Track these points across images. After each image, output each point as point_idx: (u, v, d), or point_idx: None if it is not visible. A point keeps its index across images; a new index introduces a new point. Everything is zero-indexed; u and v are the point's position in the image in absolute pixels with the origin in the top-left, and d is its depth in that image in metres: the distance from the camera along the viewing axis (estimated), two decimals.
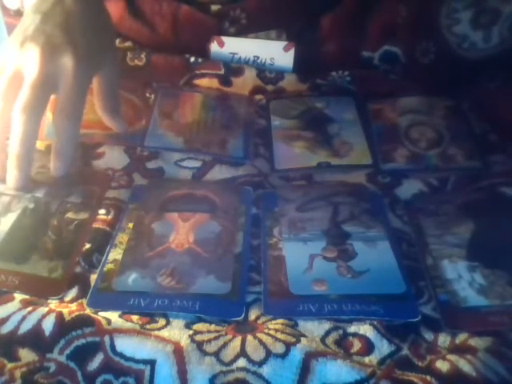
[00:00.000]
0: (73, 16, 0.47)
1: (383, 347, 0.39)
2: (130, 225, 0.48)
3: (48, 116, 0.57)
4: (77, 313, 0.40)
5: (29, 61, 0.45)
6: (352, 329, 0.40)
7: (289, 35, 0.64)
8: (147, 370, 0.37)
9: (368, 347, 0.39)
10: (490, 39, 0.58)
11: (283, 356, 0.37)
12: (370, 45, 0.63)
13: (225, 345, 0.38)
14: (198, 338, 0.39)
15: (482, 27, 0.58)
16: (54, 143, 0.48)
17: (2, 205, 0.47)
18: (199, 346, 0.38)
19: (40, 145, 0.54)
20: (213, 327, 0.40)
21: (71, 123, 0.47)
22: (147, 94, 0.62)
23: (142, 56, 0.63)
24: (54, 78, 0.45)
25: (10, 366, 0.37)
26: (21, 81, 0.45)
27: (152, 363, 0.37)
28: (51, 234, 0.46)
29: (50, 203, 0.48)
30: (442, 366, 0.37)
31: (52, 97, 0.47)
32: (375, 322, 0.40)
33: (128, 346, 0.38)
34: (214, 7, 0.62)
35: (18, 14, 0.62)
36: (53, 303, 0.41)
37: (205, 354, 0.37)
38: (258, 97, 0.63)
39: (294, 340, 0.38)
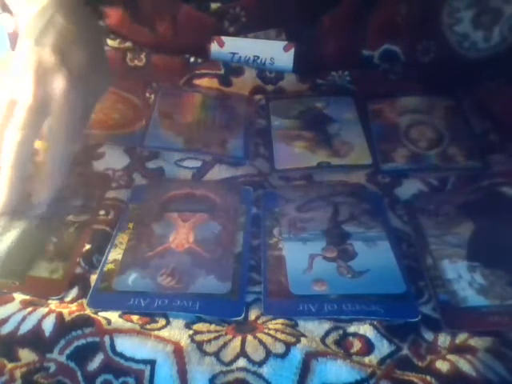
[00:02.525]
0: (65, 37, 0.46)
1: (383, 347, 0.39)
2: (130, 225, 0.48)
3: None
4: (77, 313, 0.40)
5: (22, 86, 0.44)
6: (352, 329, 0.40)
7: (288, 35, 0.64)
8: (147, 370, 0.37)
9: (368, 347, 0.39)
10: (490, 39, 0.58)
11: (283, 356, 0.37)
12: (370, 44, 0.63)
13: (225, 345, 0.38)
14: (198, 337, 0.39)
15: (483, 27, 0.58)
16: (41, 166, 0.46)
17: (3, 221, 0.46)
18: (199, 346, 0.38)
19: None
20: (213, 327, 0.40)
21: (60, 147, 0.45)
22: (147, 94, 0.62)
23: (142, 56, 0.63)
24: (47, 102, 0.44)
25: (10, 366, 0.37)
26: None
27: (152, 363, 0.37)
28: (52, 237, 0.46)
29: (50, 221, 0.47)
30: (441, 366, 0.37)
31: None
32: (375, 322, 0.40)
33: (128, 346, 0.38)
34: (214, 5, 0.62)
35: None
36: (53, 303, 0.41)
37: (205, 353, 0.37)
38: (258, 97, 0.63)
39: (293, 340, 0.38)
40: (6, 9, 0.61)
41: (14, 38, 0.62)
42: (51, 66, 0.44)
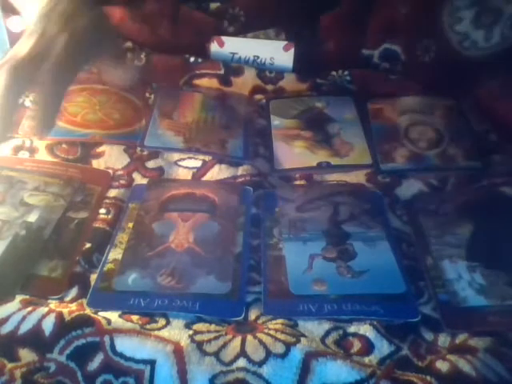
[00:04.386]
0: (66, 9, 0.52)
1: (383, 347, 0.39)
2: (130, 224, 0.48)
3: None
4: (77, 313, 0.40)
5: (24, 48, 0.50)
6: (352, 329, 0.40)
7: (288, 34, 0.64)
8: (147, 370, 0.37)
9: (368, 347, 0.39)
10: (490, 38, 0.58)
11: (283, 356, 0.37)
12: (369, 43, 0.63)
13: (225, 345, 0.38)
14: (198, 338, 0.39)
15: (483, 26, 0.58)
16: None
17: None
18: (199, 345, 0.38)
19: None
20: (213, 327, 0.40)
21: (54, 86, 0.50)
22: (147, 94, 0.62)
23: (142, 56, 0.63)
24: (43, 58, 0.49)
25: (10, 366, 0.37)
26: None
27: (152, 363, 0.37)
28: (52, 234, 0.46)
29: (42, 229, 0.46)
30: (441, 366, 0.37)
31: None
32: (375, 322, 0.40)
33: (128, 346, 0.38)
34: (213, 5, 0.62)
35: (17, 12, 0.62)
36: (53, 303, 0.41)
37: (205, 353, 0.37)
38: (258, 96, 0.63)
39: (294, 340, 0.38)
40: (14, 12, 0.61)
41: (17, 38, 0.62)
42: (54, 32, 0.50)
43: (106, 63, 0.56)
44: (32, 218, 0.46)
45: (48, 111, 0.49)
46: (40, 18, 0.51)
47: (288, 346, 0.38)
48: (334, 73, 0.63)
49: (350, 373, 0.36)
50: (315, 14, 0.63)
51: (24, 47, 0.49)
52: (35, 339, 0.38)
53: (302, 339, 0.38)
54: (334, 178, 0.54)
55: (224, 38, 0.64)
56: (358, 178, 0.54)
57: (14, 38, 0.64)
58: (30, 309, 0.40)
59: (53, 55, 0.49)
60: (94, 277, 0.44)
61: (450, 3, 0.58)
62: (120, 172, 0.53)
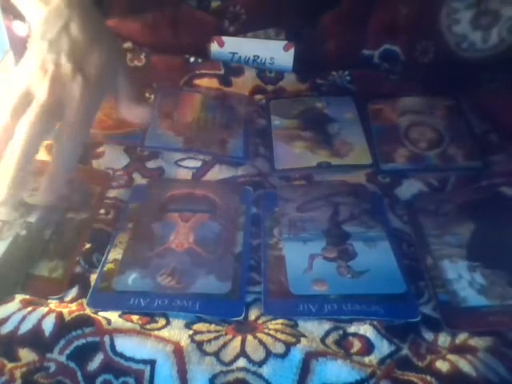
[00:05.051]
0: (79, 43, 0.46)
1: (383, 347, 0.39)
2: (130, 225, 0.48)
3: None
4: (77, 313, 0.40)
5: (39, 88, 0.45)
6: (352, 329, 0.40)
7: (288, 34, 0.64)
8: (147, 370, 0.37)
9: (368, 347, 0.39)
10: (488, 40, 0.58)
11: (283, 356, 0.37)
12: (370, 43, 0.63)
13: (225, 345, 0.38)
14: (198, 337, 0.39)
15: (481, 28, 0.58)
16: (48, 166, 0.46)
17: None
18: (199, 345, 0.38)
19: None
20: (213, 327, 0.40)
21: (71, 147, 0.45)
22: (147, 94, 0.62)
23: (142, 56, 0.63)
24: (61, 107, 0.45)
25: (10, 366, 0.37)
26: (30, 102, 0.44)
27: (152, 363, 0.37)
28: (52, 235, 0.46)
29: (43, 229, 0.46)
30: (441, 366, 0.37)
31: None
32: (375, 322, 0.40)
33: (128, 345, 0.38)
34: (214, 3, 0.62)
35: (19, 17, 0.62)
36: (53, 303, 0.41)
37: (205, 354, 0.37)
38: (258, 97, 0.63)
39: (294, 340, 0.38)
40: (17, 16, 0.61)
41: (23, 42, 0.62)
42: (67, 73, 0.45)
43: (125, 103, 0.53)
44: (32, 218, 0.46)
45: (60, 177, 0.46)
46: (50, 46, 0.46)
47: (288, 346, 0.38)
48: (334, 73, 0.63)
49: (350, 373, 0.36)
50: (315, 14, 0.63)
51: (38, 89, 0.44)
52: (35, 339, 0.38)
53: (302, 339, 0.38)
54: (333, 178, 0.54)
55: (224, 38, 0.64)
56: (358, 177, 0.54)
57: (17, 41, 0.64)
58: (30, 309, 0.40)
59: (68, 109, 0.45)
60: (94, 277, 0.44)
61: (448, 5, 0.58)
62: (120, 172, 0.53)
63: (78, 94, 0.45)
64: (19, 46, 0.63)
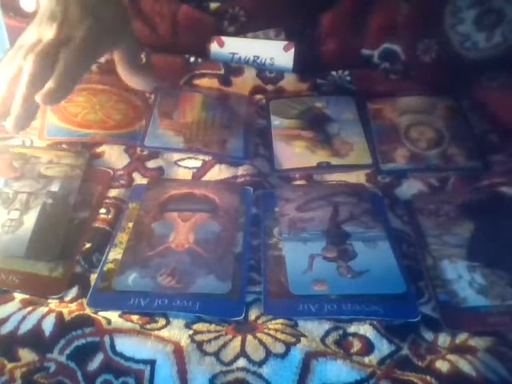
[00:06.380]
0: None
1: (383, 347, 0.39)
2: (130, 224, 0.48)
3: (48, 117, 0.57)
4: (77, 313, 0.40)
5: (47, 33, 0.48)
6: (352, 329, 0.40)
7: (288, 34, 0.64)
8: (147, 370, 0.37)
9: (368, 347, 0.39)
10: (491, 39, 0.58)
11: (283, 356, 0.37)
12: (369, 42, 0.63)
13: (225, 345, 0.38)
14: (198, 337, 0.39)
15: (485, 27, 0.58)
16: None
17: (20, 203, 0.47)
18: (199, 345, 0.38)
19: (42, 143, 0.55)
20: (213, 327, 0.40)
21: (74, 61, 0.48)
22: (147, 94, 0.62)
23: (142, 56, 0.63)
24: (67, 41, 0.48)
25: (10, 366, 0.37)
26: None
27: (152, 363, 0.37)
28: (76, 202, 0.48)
29: (67, 196, 0.49)
30: (441, 366, 0.37)
31: None
32: (375, 322, 0.40)
33: (128, 346, 0.38)
34: (213, 5, 0.62)
35: (19, 15, 0.62)
36: (53, 303, 0.41)
37: (205, 354, 0.37)
38: (258, 97, 0.63)
39: (294, 340, 0.38)
40: None
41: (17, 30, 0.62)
42: (76, 16, 0.49)
43: (126, 69, 0.56)
44: (54, 187, 0.49)
45: (65, 81, 0.48)
46: (58, 1, 0.49)
47: (288, 346, 0.38)
48: (334, 73, 0.63)
49: (349, 373, 0.36)
50: (315, 14, 0.63)
51: (47, 32, 0.48)
52: (35, 339, 0.38)
53: (302, 339, 0.38)
54: (333, 177, 0.54)
55: (224, 38, 0.64)
56: (358, 178, 0.54)
57: (13, 32, 0.64)
58: (29, 309, 0.40)
59: (76, 38, 0.48)
60: (94, 277, 0.44)
61: (452, 3, 0.58)
62: (120, 172, 0.53)
63: (85, 30, 0.48)
64: None
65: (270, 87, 0.64)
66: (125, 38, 0.54)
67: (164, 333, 0.39)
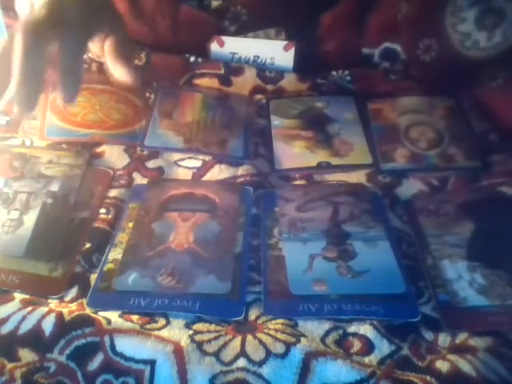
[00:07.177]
0: None
1: (383, 347, 0.39)
2: (130, 224, 0.48)
3: (48, 117, 0.57)
4: (77, 313, 0.40)
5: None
6: (352, 329, 0.40)
7: (288, 34, 0.64)
8: (147, 370, 0.37)
9: (368, 347, 0.39)
10: (492, 38, 0.58)
11: (283, 356, 0.37)
12: (370, 42, 0.63)
13: (225, 345, 0.38)
14: (198, 337, 0.39)
15: (486, 26, 0.57)
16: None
17: (20, 203, 0.47)
18: (199, 345, 0.38)
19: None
20: (213, 327, 0.40)
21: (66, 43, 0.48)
22: (147, 94, 0.62)
23: (142, 56, 0.63)
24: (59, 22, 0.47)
25: (10, 366, 0.37)
26: None
27: (152, 363, 0.37)
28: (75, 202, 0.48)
29: (67, 196, 0.49)
30: (441, 366, 0.37)
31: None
32: (375, 322, 0.40)
33: (128, 346, 0.38)
34: (215, 3, 0.62)
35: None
36: (53, 303, 0.41)
37: (205, 354, 0.37)
38: (258, 96, 0.63)
39: (293, 340, 0.38)
40: None
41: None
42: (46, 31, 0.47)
43: (112, 61, 0.55)
44: (54, 187, 0.49)
45: (71, 77, 0.48)
46: None
47: (288, 346, 0.38)
48: (334, 73, 0.63)
49: (349, 373, 0.36)
50: (316, 14, 0.63)
51: (35, 3, 0.47)
52: (35, 339, 0.38)
53: (302, 339, 0.38)
54: (334, 177, 0.54)
55: (224, 38, 0.64)
56: (358, 177, 0.54)
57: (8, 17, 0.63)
58: (29, 309, 0.40)
59: (69, 13, 0.47)
60: (94, 277, 0.44)
61: (453, 2, 0.58)
62: (120, 172, 0.53)
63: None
64: None
65: (270, 87, 0.64)
66: (111, 20, 0.53)
67: (164, 333, 0.39)
